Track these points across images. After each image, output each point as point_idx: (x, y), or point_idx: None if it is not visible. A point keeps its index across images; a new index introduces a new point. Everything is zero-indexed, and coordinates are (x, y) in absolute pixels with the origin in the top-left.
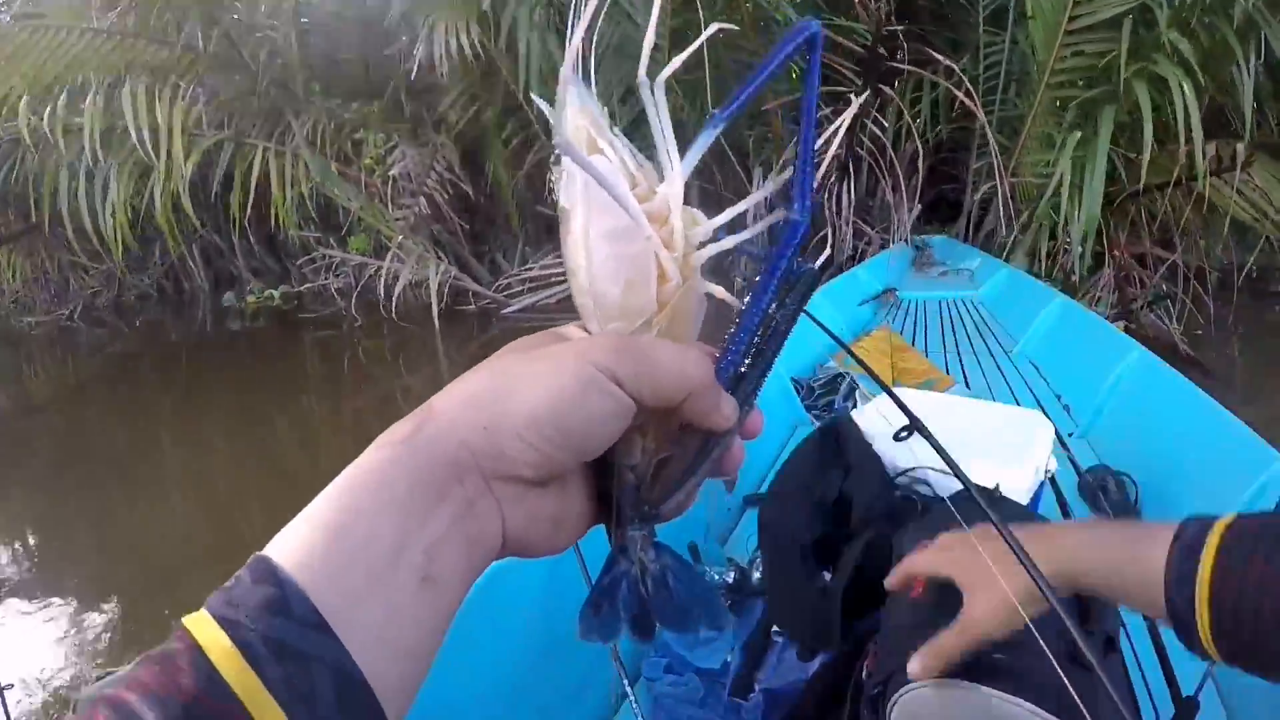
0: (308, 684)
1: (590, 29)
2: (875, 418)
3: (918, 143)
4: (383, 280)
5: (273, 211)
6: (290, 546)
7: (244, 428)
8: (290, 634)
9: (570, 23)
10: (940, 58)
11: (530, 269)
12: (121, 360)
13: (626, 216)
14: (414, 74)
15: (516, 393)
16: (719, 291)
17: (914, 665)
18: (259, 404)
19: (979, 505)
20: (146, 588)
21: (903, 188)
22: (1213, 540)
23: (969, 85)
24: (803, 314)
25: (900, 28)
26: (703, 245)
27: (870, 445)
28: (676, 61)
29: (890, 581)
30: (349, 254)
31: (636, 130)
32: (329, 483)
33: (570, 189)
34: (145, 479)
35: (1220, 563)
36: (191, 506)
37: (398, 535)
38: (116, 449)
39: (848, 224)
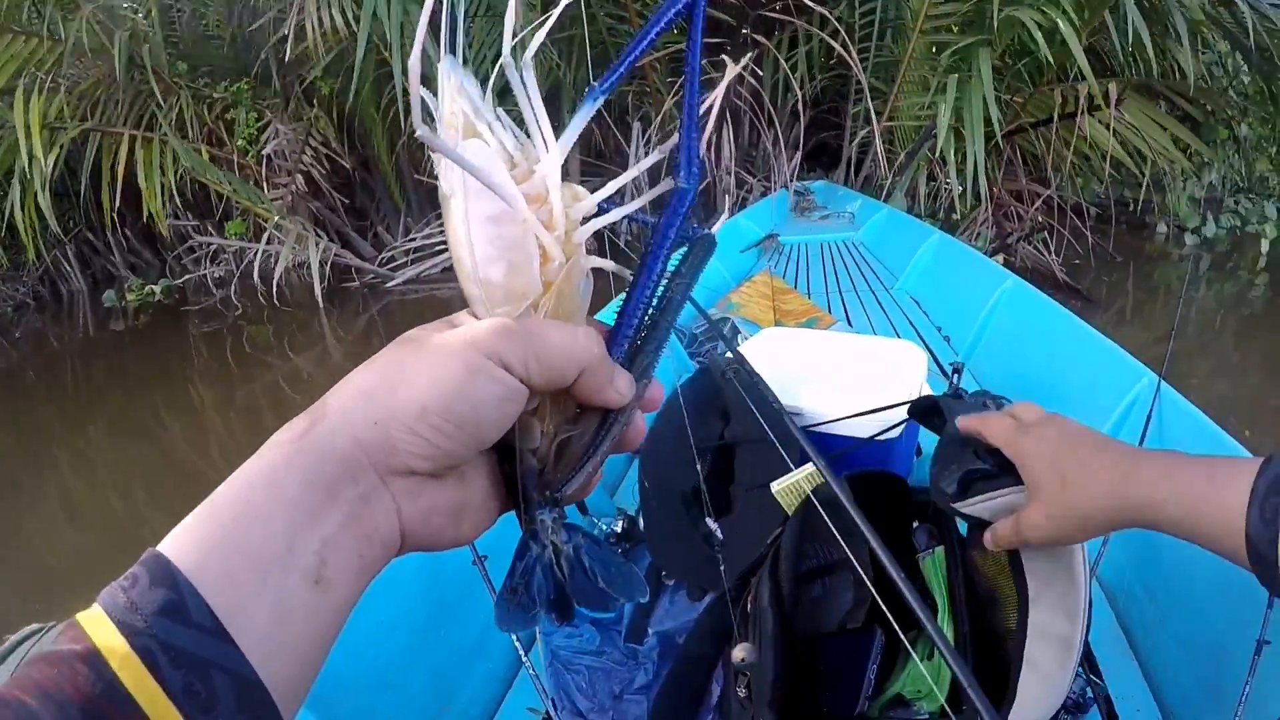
0: (208, 690)
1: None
2: (754, 355)
3: (796, 92)
4: (261, 265)
5: (144, 202)
6: (186, 547)
7: (135, 429)
8: (189, 640)
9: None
10: (815, 6)
11: (414, 240)
12: (4, 376)
13: (506, 197)
14: (282, 48)
15: (404, 384)
16: (606, 264)
17: (986, 538)
18: (148, 403)
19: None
20: (45, 599)
21: (781, 137)
22: None
23: (845, 34)
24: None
25: None
26: (586, 221)
27: (747, 385)
28: (539, 38)
29: (963, 423)
30: (226, 240)
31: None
32: (223, 475)
33: (449, 174)
34: (37, 492)
35: None
36: (88, 514)
37: (289, 535)
38: (6, 466)
39: (729, 174)
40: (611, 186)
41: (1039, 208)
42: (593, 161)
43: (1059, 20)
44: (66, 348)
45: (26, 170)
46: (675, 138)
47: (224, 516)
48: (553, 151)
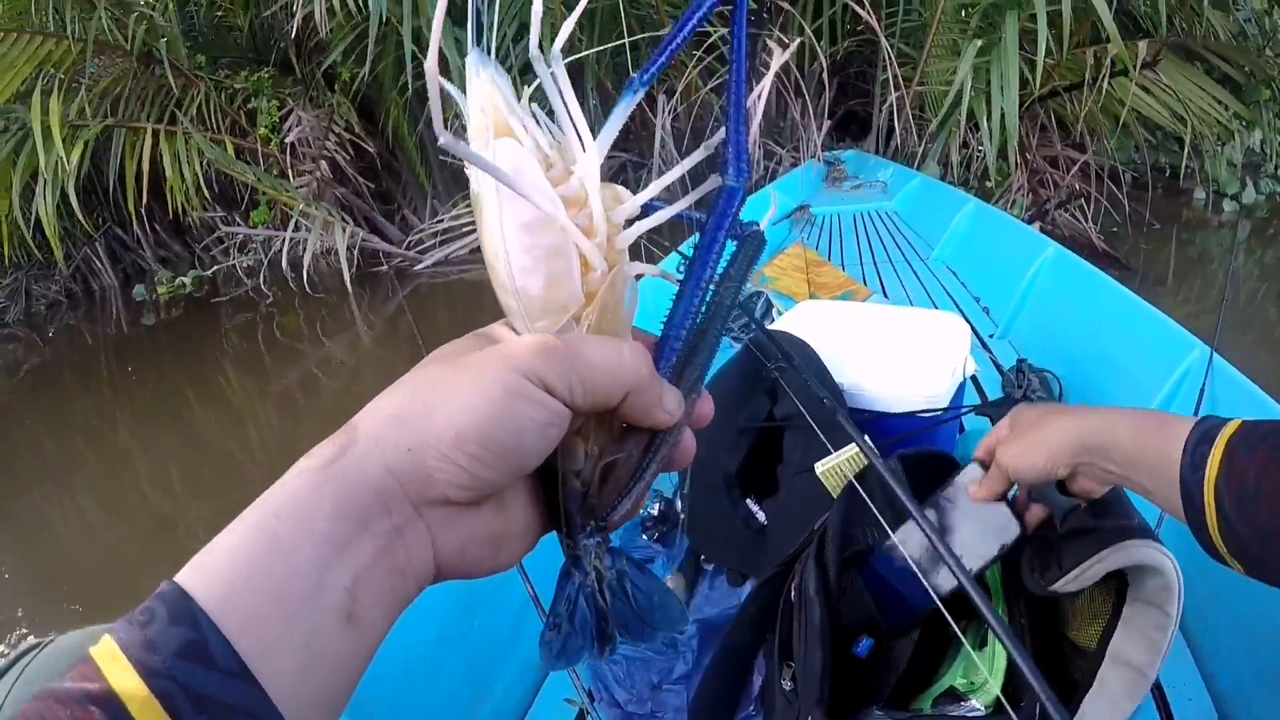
0: None
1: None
2: (792, 330)
3: (822, 59)
4: (290, 252)
5: (171, 196)
6: (207, 581)
7: (170, 421)
8: (212, 684)
9: None
10: None
11: (441, 222)
12: (40, 373)
13: (542, 205)
14: (299, 33)
15: (439, 408)
16: (651, 270)
17: (975, 491)
18: (182, 395)
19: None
20: (95, 598)
21: (809, 105)
22: (1228, 430)
23: None
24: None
25: None
26: (629, 224)
27: (805, 359)
28: (568, 27)
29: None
30: (253, 229)
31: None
32: (261, 463)
33: (480, 176)
34: (75, 488)
35: (1230, 450)
36: (126, 508)
37: (319, 571)
38: (45, 463)
39: (757, 145)
40: (655, 187)
41: (1075, 174)
42: (617, 140)
43: None
44: (100, 343)
45: (43, 170)
46: (721, 132)
47: (247, 549)
48: (590, 150)
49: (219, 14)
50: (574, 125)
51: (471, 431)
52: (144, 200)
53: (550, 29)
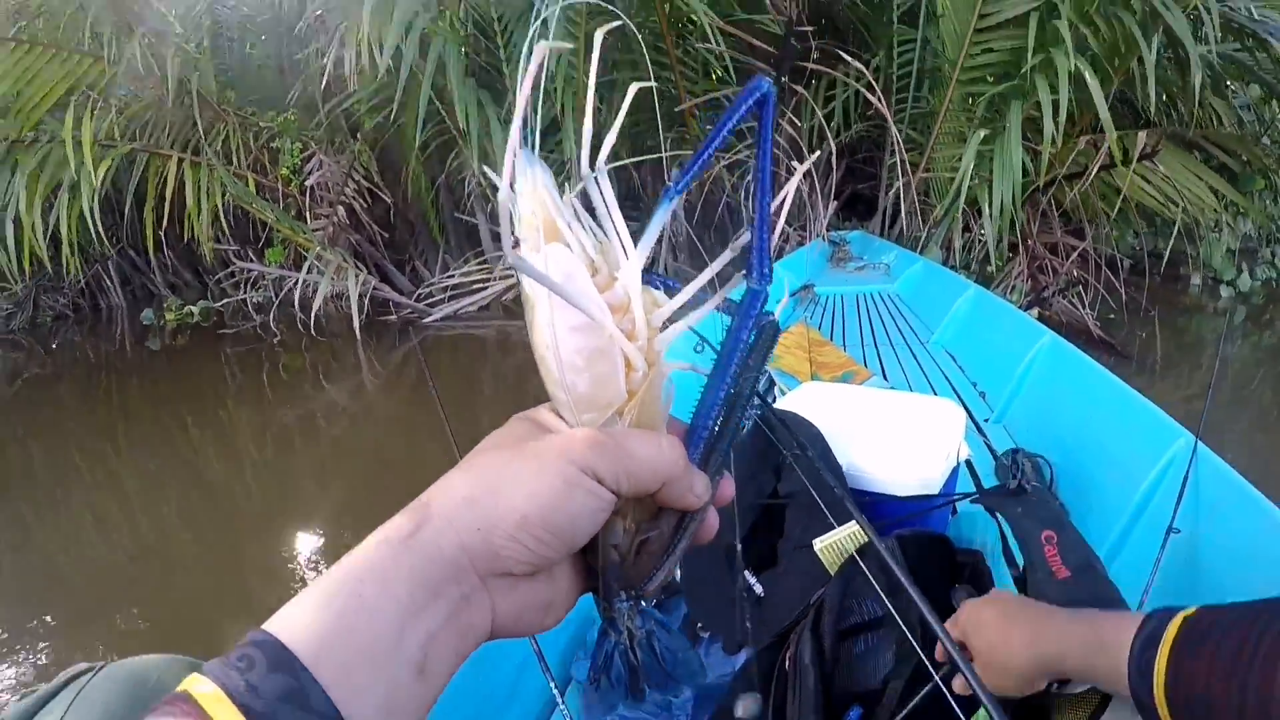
0: None
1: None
2: (798, 407)
3: (830, 142)
4: (301, 293)
5: (188, 225)
6: (301, 634)
7: (165, 447)
8: None
9: (513, 95)
10: (850, 59)
11: (451, 276)
12: (40, 383)
13: (589, 312)
14: (326, 79)
15: (506, 495)
16: (684, 366)
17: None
18: (180, 422)
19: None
20: (73, 614)
21: (817, 185)
22: (1169, 633)
23: (881, 83)
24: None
25: (811, 29)
26: (665, 326)
27: (811, 441)
28: (609, 140)
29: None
30: (266, 267)
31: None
32: (254, 498)
33: (538, 277)
34: (67, 504)
35: (1175, 655)
36: (115, 529)
37: (398, 631)
38: (36, 476)
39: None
40: (687, 291)
41: (1074, 261)
42: (631, 206)
43: (1084, 71)
44: (102, 361)
45: (76, 183)
46: (746, 236)
47: (337, 608)
48: (633, 259)
49: (251, 51)
50: (618, 234)
51: (535, 517)
52: (163, 226)
53: (565, 81)
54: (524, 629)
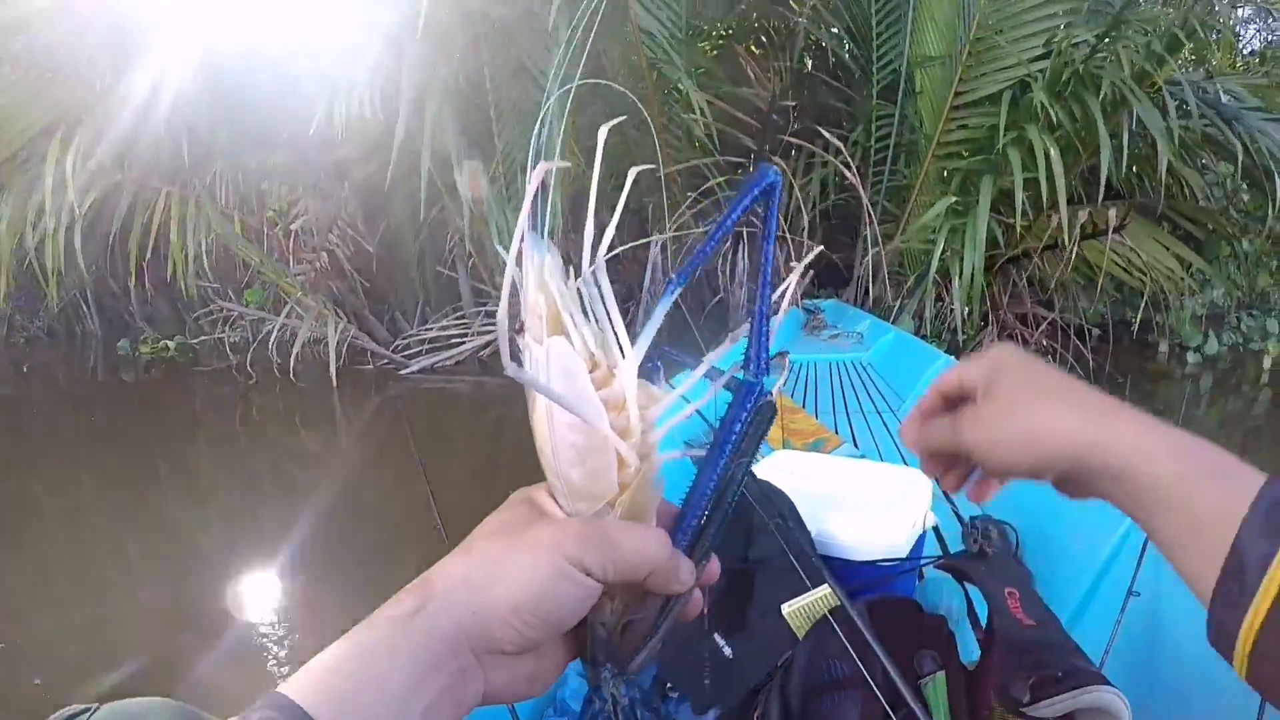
0: None
1: (542, 199)
2: (770, 474)
3: (805, 214)
4: (278, 337)
5: (171, 259)
6: (315, 698)
7: (130, 480)
8: None
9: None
10: (829, 135)
11: (430, 330)
12: (7, 406)
13: (586, 410)
14: (317, 125)
15: (500, 582)
16: (677, 455)
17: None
18: (147, 457)
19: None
20: (24, 643)
21: (793, 253)
22: None
23: (859, 156)
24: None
25: (794, 104)
26: (652, 427)
27: (783, 507)
28: (607, 237)
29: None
30: (246, 308)
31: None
32: (219, 539)
33: (534, 372)
34: (22, 531)
35: None
36: (71, 559)
37: (402, 700)
38: None
39: (741, 288)
40: (686, 385)
41: (1043, 330)
42: (611, 273)
43: (1049, 148)
44: (73, 389)
45: (50, 213)
46: (746, 327)
47: (347, 674)
48: (629, 359)
49: (247, 90)
50: (615, 334)
51: (526, 605)
52: (145, 258)
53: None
54: (512, 697)
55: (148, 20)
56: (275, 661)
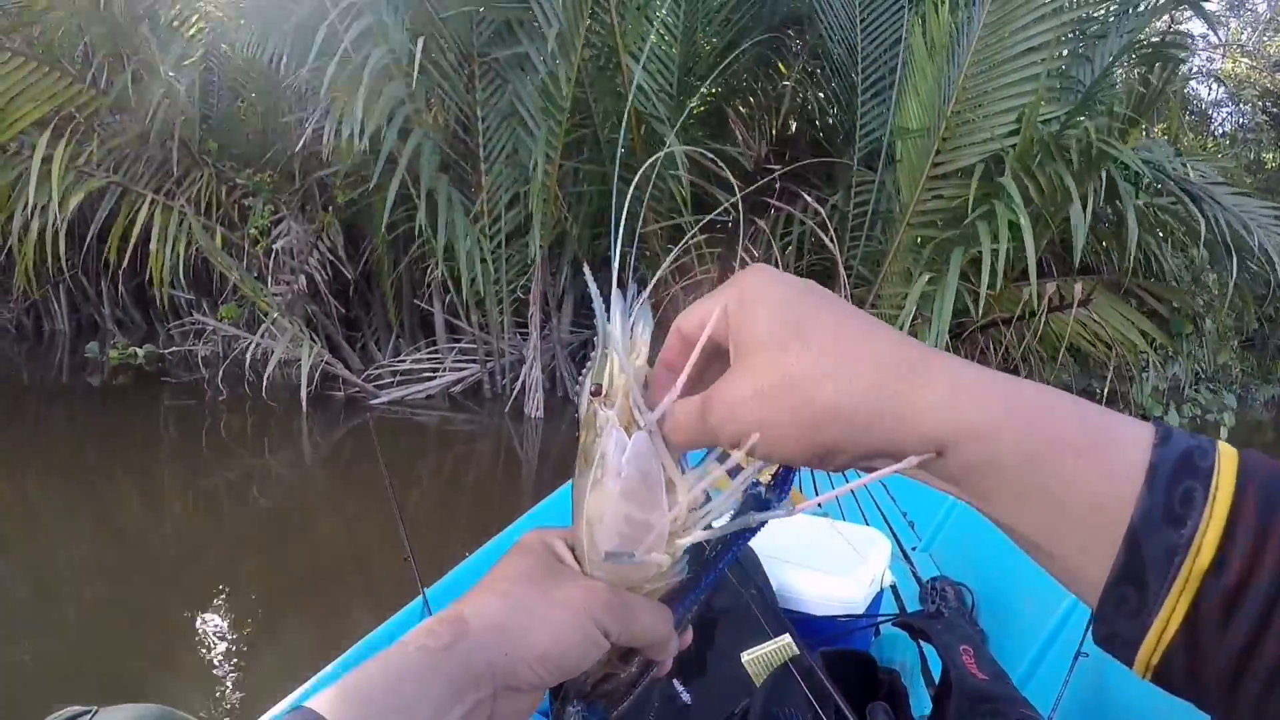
0: None
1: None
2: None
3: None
4: (251, 355)
5: (148, 266)
6: (346, 716)
7: (87, 486)
8: None
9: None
10: (809, 198)
11: (403, 361)
12: None
13: (646, 515)
14: (306, 146)
15: (534, 632)
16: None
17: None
18: (106, 464)
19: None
20: None
21: None
22: (1226, 460)
23: (836, 220)
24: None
25: (777, 167)
26: (687, 531)
27: (746, 560)
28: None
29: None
30: (221, 324)
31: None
32: (174, 552)
33: (615, 456)
34: None
35: (1242, 504)
36: (19, 564)
37: None
38: None
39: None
40: (717, 504)
41: None
42: (586, 318)
43: (1019, 222)
44: (36, 386)
45: (36, 208)
46: (776, 470)
47: (380, 698)
48: (690, 492)
49: (239, 104)
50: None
51: (552, 656)
52: (123, 263)
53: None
54: None
55: (146, 21)
56: (227, 685)
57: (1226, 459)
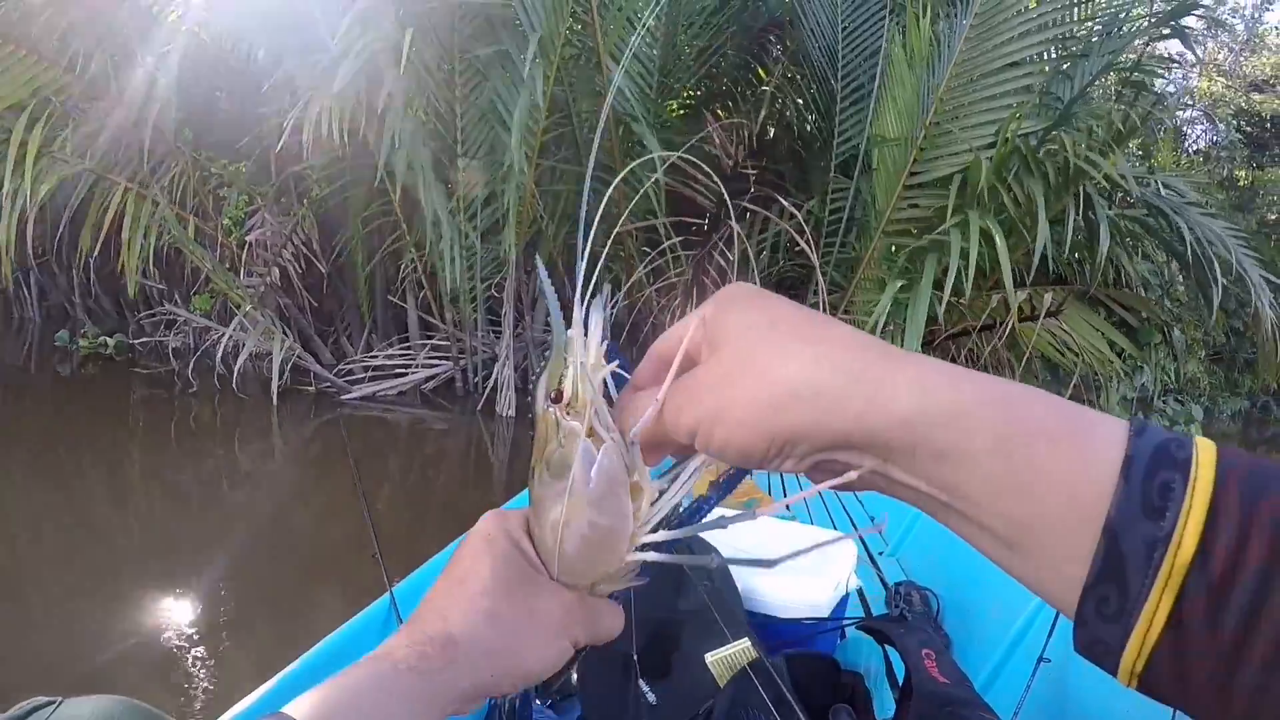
0: None
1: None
2: (702, 533)
3: (756, 278)
4: (223, 347)
5: (121, 255)
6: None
7: (53, 475)
8: None
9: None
10: (785, 202)
11: (375, 357)
12: None
13: (611, 521)
14: (283, 140)
15: (520, 657)
16: (654, 556)
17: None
18: (74, 453)
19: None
20: None
21: None
22: (1204, 453)
23: (812, 225)
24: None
25: (753, 171)
26: (649, 531)
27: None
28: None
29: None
30: (193, 315)
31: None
32: (139, 544)
33: (583, 467)
34: None
35: (1223, 494)
36: None
37: None
38: None
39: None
40: (670, 498)
41: None
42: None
43: (993, 232)
44: (3, 373)
45: (8, 193)
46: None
47: (367, 709)
48: (659, 504)
49: (216, 94)
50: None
51: (534, 675)
52: (95, 250)
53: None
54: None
55: (126, 6)
56: (193, 678)
57: (1205, 451)
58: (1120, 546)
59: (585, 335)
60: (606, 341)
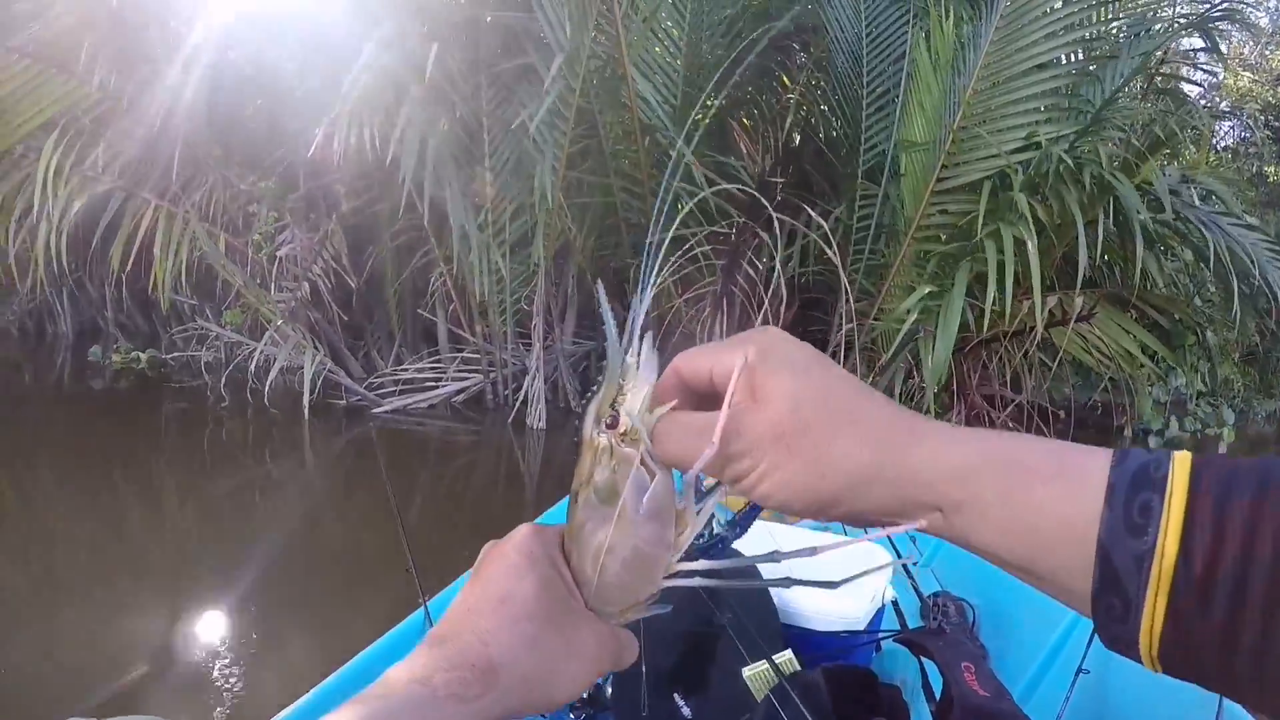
0: None
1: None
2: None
3: (782, 287)
4: (255, 362)
5: (152, 271)
6: None
7: (87, 489)
8: None
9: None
10: (812, 212)
11: (405, 370)
12: None
13: (654, 550)
14: (311, 153)
15: (555, 685)
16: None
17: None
18: (106, 468)
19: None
20: None
21: (772, 324)
22: (1180, 466)
23: (840, 233)
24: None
25: (780, 180)
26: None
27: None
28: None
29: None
30: (224, 329)
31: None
32: (173, 559)
33: (635, 494)
34: None
35: (1197, 503)
36: (18, 560)
37: None
38: None
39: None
40: (697, 524)
41: (1010, 412)
42: (586, 329)
43: (1026, 239)
44: (38, 388)
45: (40, 210)
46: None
47: None
48: (693, 527)
49: (247, 110)
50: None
51: (564, 702)
52: (127, 267)
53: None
54: None
55: (154, 26)
56: (225, 695)
57: (1180, 466)
58: (1113, 562)
59: (638, 365)
60: (653, 370)
